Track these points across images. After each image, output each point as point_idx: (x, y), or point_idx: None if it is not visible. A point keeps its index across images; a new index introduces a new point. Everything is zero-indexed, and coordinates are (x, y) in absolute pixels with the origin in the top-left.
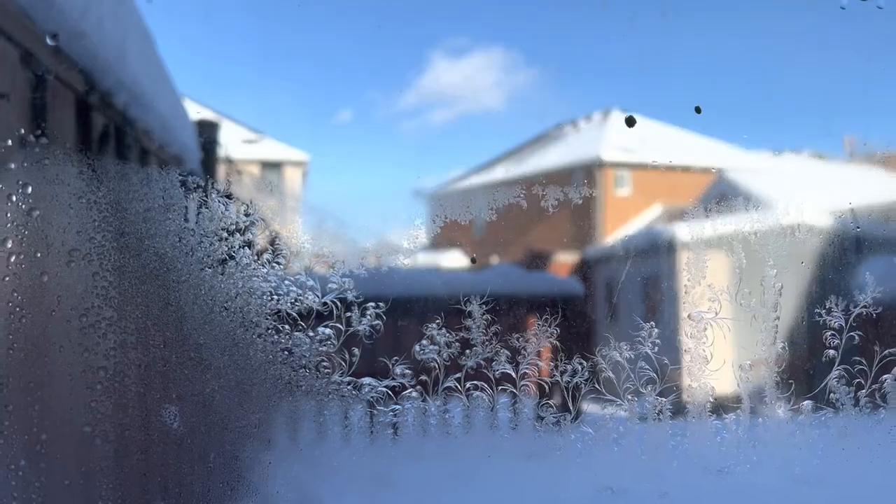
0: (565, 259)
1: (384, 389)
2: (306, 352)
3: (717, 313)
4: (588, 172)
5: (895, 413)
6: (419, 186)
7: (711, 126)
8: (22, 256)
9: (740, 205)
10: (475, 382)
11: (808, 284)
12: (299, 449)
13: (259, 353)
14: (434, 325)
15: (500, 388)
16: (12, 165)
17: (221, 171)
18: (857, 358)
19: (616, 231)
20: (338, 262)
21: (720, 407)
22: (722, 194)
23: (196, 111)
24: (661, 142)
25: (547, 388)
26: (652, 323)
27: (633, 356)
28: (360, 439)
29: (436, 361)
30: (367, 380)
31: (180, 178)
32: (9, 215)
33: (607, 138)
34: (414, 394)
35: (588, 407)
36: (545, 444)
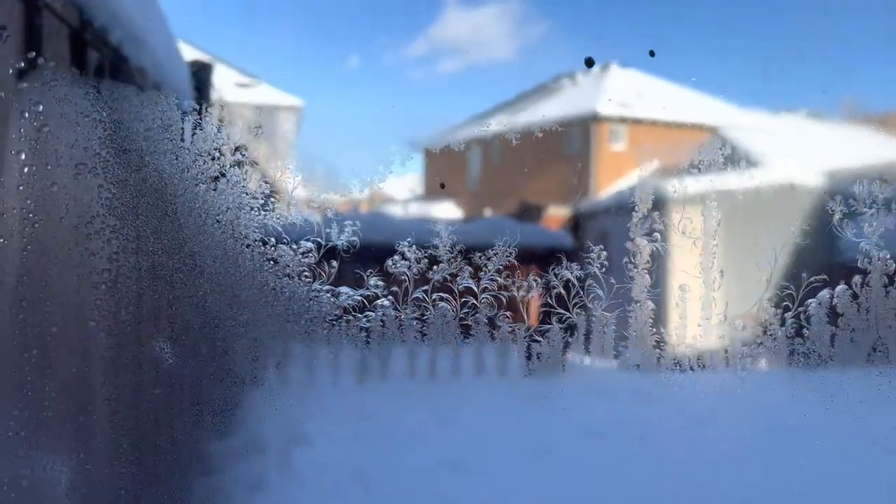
0: (557, 212)
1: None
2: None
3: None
4: (583, 126)
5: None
6: (415, 136)
7: (709, 83)
8: (34, 168)
9: (734, 162)
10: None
11: (795, 245)
12: (287, 388)
13: (247, 261)
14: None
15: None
16: (24, 85)
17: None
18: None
19: (609, 186)
20: (329, 210)
21: (704, 358)
22: (716, 152)
23: (190, 53)
24: (658, 97)
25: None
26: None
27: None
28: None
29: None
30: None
31: (177, 101)
32: (22, 130)
33: (604, 92)
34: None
35: (573, 357)
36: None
